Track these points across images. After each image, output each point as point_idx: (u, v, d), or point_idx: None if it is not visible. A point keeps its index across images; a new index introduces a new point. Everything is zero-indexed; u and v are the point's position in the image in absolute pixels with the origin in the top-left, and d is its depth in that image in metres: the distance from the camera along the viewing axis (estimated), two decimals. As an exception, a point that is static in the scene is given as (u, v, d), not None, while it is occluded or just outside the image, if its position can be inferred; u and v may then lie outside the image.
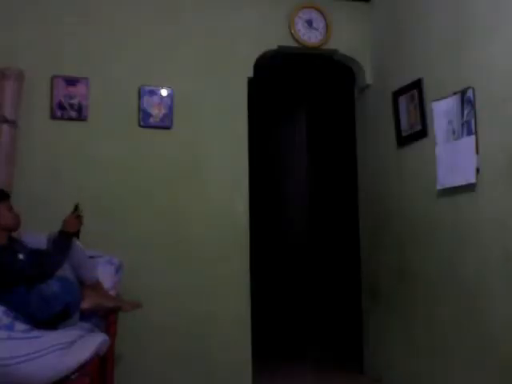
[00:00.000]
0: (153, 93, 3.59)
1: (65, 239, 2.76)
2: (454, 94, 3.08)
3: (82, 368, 2.47)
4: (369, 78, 4.03)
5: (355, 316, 4.23)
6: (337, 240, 5.22)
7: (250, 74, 3.81)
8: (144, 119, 3.57)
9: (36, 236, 3.01)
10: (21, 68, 3.32)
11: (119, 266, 3.13)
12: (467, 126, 2.98)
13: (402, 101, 3.58)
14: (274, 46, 3.88)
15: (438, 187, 3.21)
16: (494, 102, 2.83)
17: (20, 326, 2.56)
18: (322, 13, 3.93)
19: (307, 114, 5.86)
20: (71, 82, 3.45)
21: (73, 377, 2.45)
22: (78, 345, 2.52)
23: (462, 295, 3.02)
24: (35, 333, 2.54)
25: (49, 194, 3.36)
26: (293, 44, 3.91)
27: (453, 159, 3.09)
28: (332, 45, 3.98)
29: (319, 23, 3.94)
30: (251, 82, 3.83)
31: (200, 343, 3.54)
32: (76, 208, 2.87)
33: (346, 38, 4.00)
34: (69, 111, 3.44)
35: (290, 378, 4.06)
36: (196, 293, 3.56)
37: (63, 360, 2.43)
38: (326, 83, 5.28)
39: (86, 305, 2.75)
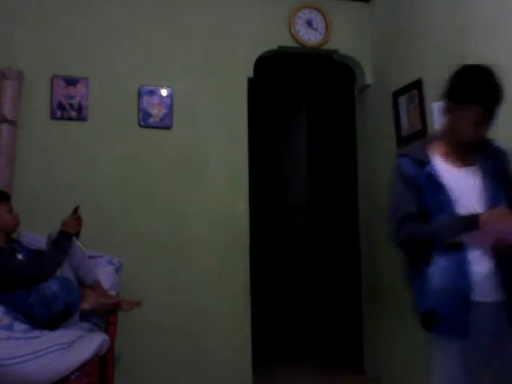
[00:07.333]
0: (153, 93, 3.59)
1: (64, 239, 2.77)
2: (454, 94, 3.08)
3: (81, 368, 2.48)
4: (369, 78, 4.03)
5: (355, 316, 4.23)
6: (337, 240, 5.22)
7: (250, 73, 3.81)
8: (144, 119, 3.57)
9: (36, 236, 3.02)
10: (21, 68, 3.32)
11: (119, 265, 3.14)
12: (467, 126, 2.97)
13: (402, 101, 3.58)
14: (274, 46, 3.89)
15: (438, 187, 3.20)
16: (493, 102, 2.82)
17: (20, 326, 2.56)
18: (321, 13, 3.93)
19: (307, 114, 5.86)
20: (71, 81, 3.45)
21: (73, 377, 2.46)
22: (77, 345, 2.53)
23: (462, 295, 3.01)
24: (35, 333, 2.54)
25: (49, 194, 3.36)
26: (293, 44, 3.90)
27: (453, 159, 3.08)
28: (332, 45, 3.98)
29: (319, 23, 3.94)
30: (251, 82, 3.83)
31: (200, 343, 3.55)
32: (76, 210, 2.88)
33: (346, 38, 4.00)
34: (69, 111, 3.44)
35: (289, 377, 4.06)
36: (196, 292, 3.56)
37: (63, 360, 2.44)
38: (326, 83, 5.28)
39: (85, 305, 2.76)
